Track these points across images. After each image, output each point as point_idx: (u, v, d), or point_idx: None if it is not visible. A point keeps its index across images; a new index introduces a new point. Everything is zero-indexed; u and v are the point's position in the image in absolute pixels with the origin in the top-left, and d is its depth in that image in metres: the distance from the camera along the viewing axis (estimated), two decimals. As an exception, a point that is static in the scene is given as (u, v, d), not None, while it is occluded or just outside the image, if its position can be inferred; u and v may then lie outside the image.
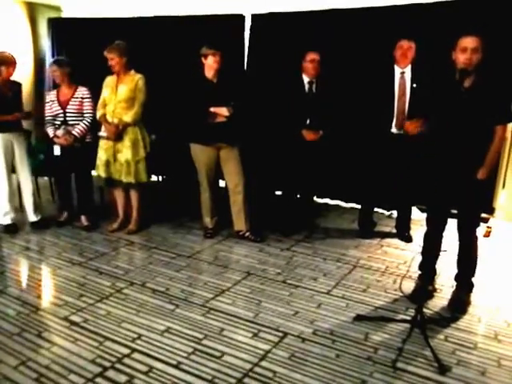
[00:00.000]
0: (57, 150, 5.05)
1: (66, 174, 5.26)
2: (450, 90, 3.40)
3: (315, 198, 6.20)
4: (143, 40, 6.29)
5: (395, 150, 4.62)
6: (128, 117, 4.85)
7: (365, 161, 5.04)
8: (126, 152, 4.92)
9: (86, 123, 5.05)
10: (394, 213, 5.43)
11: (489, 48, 3.29)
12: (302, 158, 4.84)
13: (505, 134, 3.45)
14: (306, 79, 4.80)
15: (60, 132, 4.97)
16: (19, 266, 4.44)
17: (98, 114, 4.94)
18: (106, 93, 4.90)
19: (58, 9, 7.78)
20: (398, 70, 4.59)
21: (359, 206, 5.45)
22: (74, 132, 4.98)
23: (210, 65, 4.60)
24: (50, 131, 5.03)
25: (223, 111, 4.60)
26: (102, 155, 4.99)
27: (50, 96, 5.09)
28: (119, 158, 4.96)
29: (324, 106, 4.84)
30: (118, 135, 4.87)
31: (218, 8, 6.22)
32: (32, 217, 5.35)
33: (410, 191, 4.78)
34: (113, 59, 4.76)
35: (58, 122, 5.02)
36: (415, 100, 4.48)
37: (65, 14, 7.86)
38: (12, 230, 5.17)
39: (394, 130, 4.65)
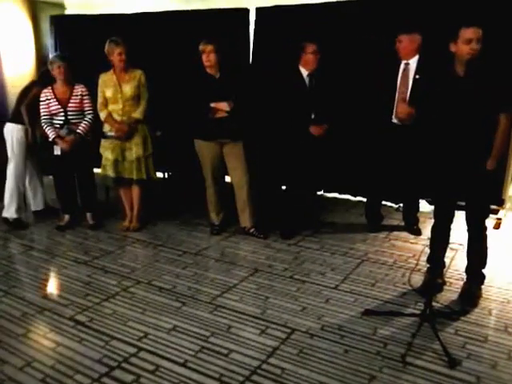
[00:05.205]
0: (57, 150, 4.98)
1: (67, 174, 5.21)
2: (452, 80, 3.36)
3: (323, 193, 6.17)
4: (147, 36, 6.27)
5: (397, 141, 4.58)
6: (138, 113, 4.88)
7: (368, 153, 4.99)
8: (136, 149, 4.94)
9: (90, 120, 5.03)
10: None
11: (492, 37, 3.25)
12: (308, 152, 4.78)
13: (508, 122, 3.38)
14: (305, 72, 4.70)
15: (64, 132, 4.93)
16: (24, 266, 4.42)
17: (103, 115, 4.91)
18: (108, 92, 4.85)
19: (61, 6, 7.76)
20: (403, 61, 4.55)
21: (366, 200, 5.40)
22: (78, 130, 4.96)
23: (204, 62, 4.61)
24: (51, 132, 4.93)
25: (223, 106, 4.58)
26: (108, 155, 4.96)
27: (46, 94, 4.97)
28: (128, 156, 4.96)
29: (327, 99, 4.77)
30: (129, 134, 4.87)
31: (222, 2, 6.18)
32: (36, 206, 5.62)
33: (416, 183, 4.72)
34: (122, 54, 4.75)
35: (60, 121, 4.95)
36: (416, 91, 4.44)
37: (68, 12, 7.84)
38: (20, 225, 5.27)
39: (394, 120, 4.61)
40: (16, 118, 5.18)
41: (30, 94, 5.11)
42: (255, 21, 6.05)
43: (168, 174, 7.06)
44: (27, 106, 5.07)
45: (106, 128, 4.94)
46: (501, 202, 5.16)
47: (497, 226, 5.10)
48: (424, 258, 3.89)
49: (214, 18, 6.05)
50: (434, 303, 3.19)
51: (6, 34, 6.86)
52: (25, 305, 3.59)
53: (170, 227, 5.34)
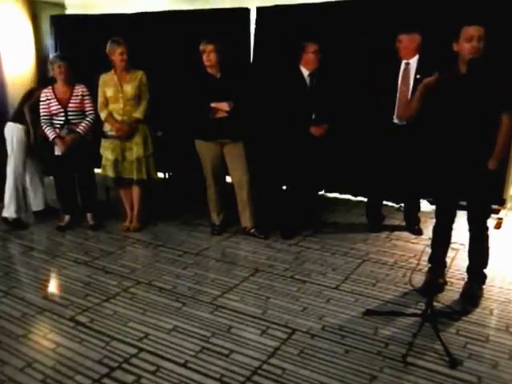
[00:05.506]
0: (57, 150, 4.97)
1: (68, 174, 5.21)
2: (454, 79, 3.34)
3: (324, 193, 6.15)
4: (148, 36, 6.26)
5: (398, 141, 4.57)
6: (138, 113, 4.88)
7: (369, 153, 4.98)
8: (136, 149, 4.93)
9: (91, 120, 5.03)
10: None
11: (496, 37, 3.24)
12: (309, 152, 4.77)
13: (510, 122, 3.36)
14: (305, 72, 4.69)
15: (64, 132, 4.92)
16: (24, 267, 4.40)
17: (103, 115, 4.90)
18: (109, 92, 4.84)
19: (61, 6, 7.74)
20: (403, 61, 4.54)
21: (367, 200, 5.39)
22: (78, 130, 4.95)
23: (204, 62, 4.61)
24: (51, 132, 4.92)
25: (224, 106, 4.57)
26: (108, 155, 4.95)
27: (46, 94, 4.97)
28: (128, 156, 4.96)
29: (328, 99, 4.76)
30: (129, 133, 4.86)
31: (223, 1, 6.17)
32: (36, 206, 5.65)
33: (417, 183, 4.71)
34: (124, 53, 4.76)
35: (60, 122, 4.95)
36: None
37: (68, 12, 7.83)
38: (19, 225, 5.27)
39: (395, 120, 4.60)
40: (17, 118, 5.18)
41: (36, 94, 5.10)
42: (256, 20, 6.04)
43: (169, 174, 7.05)
44: (31, 106, 5.07)
45: (107, 128, 4.93)
46: (502, 202, 5.15)
47: (498, 226, 5.08)
48: (425, 257, 3.88)
49: (214, 18, 6.04)
50: (435, 303, 3.18)
51: (6, 34, 6.85)
52: (25, 305, 3.58)
53: (171, 227, 5.33)
